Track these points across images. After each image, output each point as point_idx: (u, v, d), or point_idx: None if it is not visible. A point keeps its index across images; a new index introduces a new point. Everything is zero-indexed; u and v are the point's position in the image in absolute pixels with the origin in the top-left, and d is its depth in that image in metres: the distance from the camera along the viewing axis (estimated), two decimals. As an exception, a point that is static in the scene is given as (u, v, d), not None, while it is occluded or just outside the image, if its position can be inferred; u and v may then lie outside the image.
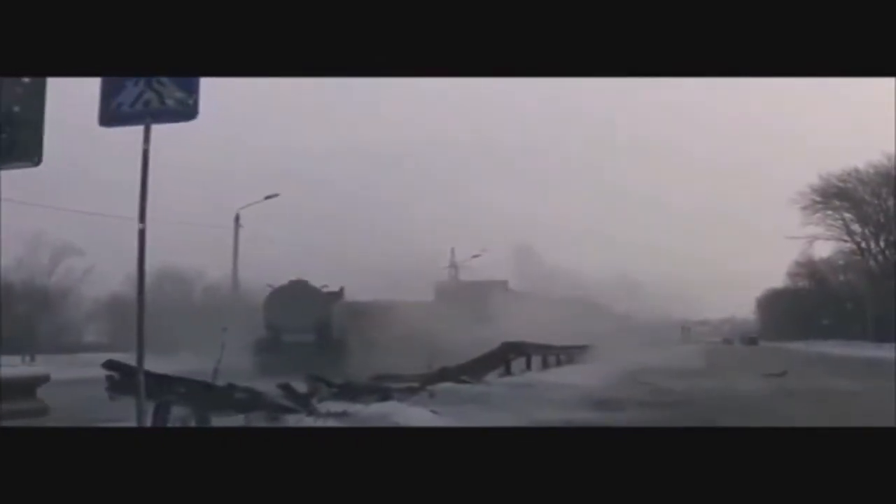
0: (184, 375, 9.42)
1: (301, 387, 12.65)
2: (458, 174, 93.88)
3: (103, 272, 46.98)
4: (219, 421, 8.66)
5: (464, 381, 17.31)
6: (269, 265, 37.55)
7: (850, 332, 60.51)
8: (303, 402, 10.47)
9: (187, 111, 7.18)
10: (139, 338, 7.04)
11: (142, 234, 7.20)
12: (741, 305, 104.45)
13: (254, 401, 9.37)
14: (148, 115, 7.24)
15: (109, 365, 8.57)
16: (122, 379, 8.32)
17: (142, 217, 7.22)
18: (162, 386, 8.38)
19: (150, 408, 7.69)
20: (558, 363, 26.70)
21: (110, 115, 7.35)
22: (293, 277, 32.26)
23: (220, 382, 9.40)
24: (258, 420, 9.03)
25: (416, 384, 15.82)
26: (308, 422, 9.38)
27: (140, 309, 7.37)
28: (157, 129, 7.27)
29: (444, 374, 17.86)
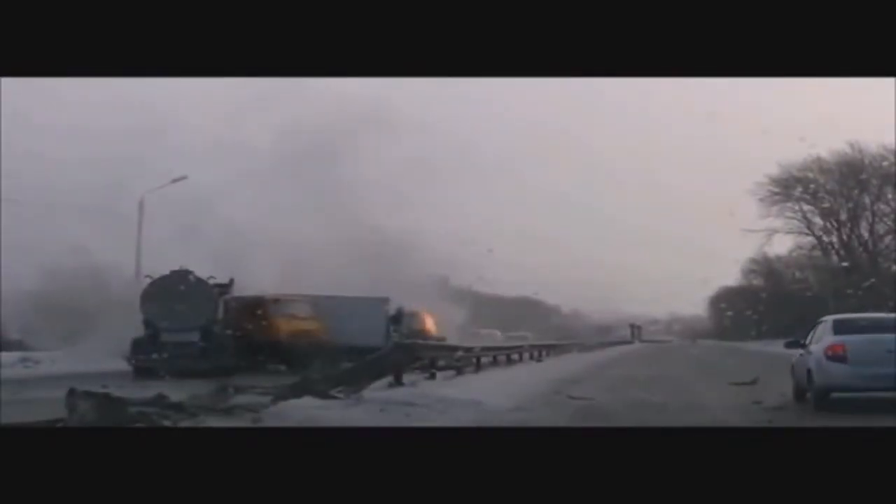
0: None
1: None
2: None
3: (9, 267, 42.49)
4: None
5: (331, 396, 12.93)
6: (179, 256, 33.18)
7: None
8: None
9: None
10: None
11: None
12: (693, 304, 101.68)
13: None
14: None
15: None
16: None
17: None
18: None
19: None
20: (478, 368, 21.95)
21: None
22: (176, 267, 27.30)
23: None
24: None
25: (269, 398, 12.64)
26: None
27: None
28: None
29: (308, 385, 13.41)
